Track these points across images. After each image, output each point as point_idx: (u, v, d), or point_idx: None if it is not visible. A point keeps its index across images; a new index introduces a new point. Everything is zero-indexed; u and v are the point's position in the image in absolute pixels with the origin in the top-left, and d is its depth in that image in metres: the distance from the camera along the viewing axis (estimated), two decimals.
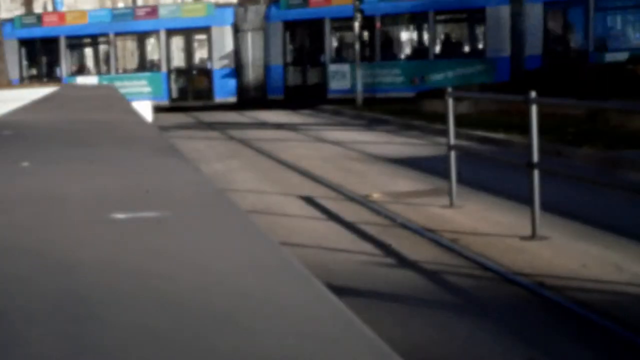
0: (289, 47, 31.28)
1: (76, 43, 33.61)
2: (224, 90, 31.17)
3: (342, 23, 29.71)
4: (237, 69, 31.32)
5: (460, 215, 9.03)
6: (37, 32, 32.21)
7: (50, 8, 42.71)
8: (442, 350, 5.13)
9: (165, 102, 31.20)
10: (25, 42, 32.24)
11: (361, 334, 1.42)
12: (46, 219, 2.57)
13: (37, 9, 44.18)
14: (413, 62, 29.43)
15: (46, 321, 1.53)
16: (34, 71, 32.96)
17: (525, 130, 8.39)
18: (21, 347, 1.40)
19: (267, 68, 30.98)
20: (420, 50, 30.07)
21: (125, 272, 1.88)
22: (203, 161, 14.17)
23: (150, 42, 34.01)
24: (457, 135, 10.27)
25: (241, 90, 31.31)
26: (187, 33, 32.41)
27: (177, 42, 33.66)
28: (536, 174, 7.80)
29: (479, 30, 29.77)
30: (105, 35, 32.22)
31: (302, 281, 1.77)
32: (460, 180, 9.65)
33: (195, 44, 34.49)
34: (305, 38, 31.63)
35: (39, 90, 14.34)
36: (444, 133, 10.36)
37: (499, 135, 15.87)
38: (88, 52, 35.03)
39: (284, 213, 9.63)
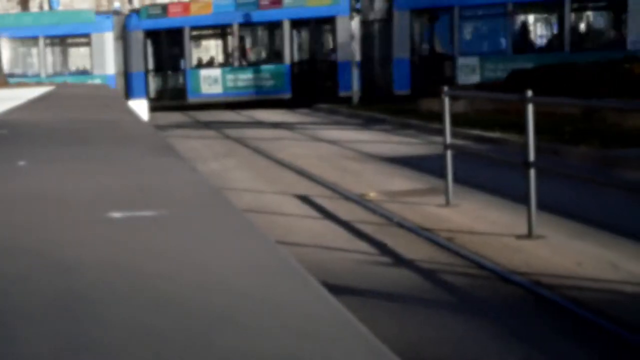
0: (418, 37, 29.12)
1: (201, 34, 32.64)
2: (349, 84, 29.39)
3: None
4: (363, 62, 29.29)
5: (456, 214, 9.04)
6: (162, 23, 31.33)
7: (46, 7, 42.63)
8: (438, 349, 5.14)
9: (287, 95, 30.29)
10: (150, 34, 31.49)
11: (357, 333, 1.43)
12: (43, 218, 2.57)
13: (33, 8, 44.12)
14: None
15: (44, 320, 1.53)
16: (158, 63, 32.13)
17: (522, 129, 8.40)
18: (19, 346, 1.40)
19: (394, 61, 28.79)
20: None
21: (123, 271, 1.88)
22: (199, 160, 14.16)
23: (274, 33, 32.41)
24: (454, 135, 10.28)
25: (366, 84, 29.77)
26: (312, 23, 30.89)
27: (302, 32, 32.19)
28: (532, 173, 7.81)
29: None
30: (229, 25, 31.17)
31: (298, 280, 1.78)
32: (456, 180, 9.66)
33: (318, 35, 32.60)
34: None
35: (35, 90, 14.32)
36: (440, 132, 10.36)
37: (495, 134, 15.88)
38: (212, 43, 33.91)
39: (280, 212, 9.63)
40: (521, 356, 4.93)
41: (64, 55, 35.36)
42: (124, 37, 31.81)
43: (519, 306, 5.93)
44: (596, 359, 4.99)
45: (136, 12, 33.04)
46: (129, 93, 30.75)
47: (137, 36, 31.47)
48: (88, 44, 32.71)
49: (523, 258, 7.04)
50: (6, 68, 35.17)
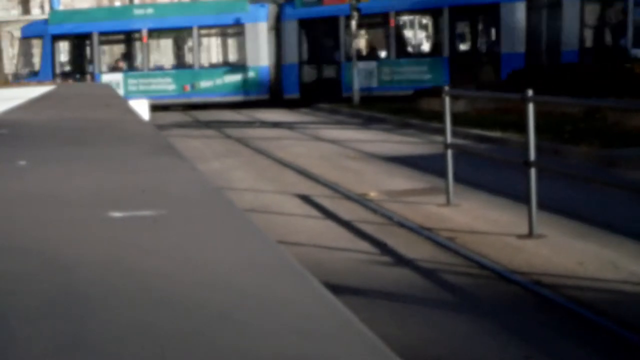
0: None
1: (359, 22, 30.02)
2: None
3: None
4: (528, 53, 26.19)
5: (457, 214, 9.03)
6: (317, 12, 29.74)
7: (47, 7, 42.74)
8: (439, 349, 5.13)
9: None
10: (304, 23, 30.02)
11: (358, 332, 1.43)
12: (43, 218, 2.57)
13: (34, 8, 44.24)
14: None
15: (43, 319, 1.53)
16: (311, 54, 30.56)
17: (522, 128, 8.39)
18: (18, 345, 1.40)
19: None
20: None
21: (123, 270, 1.88)
22: (200, 160, 14.16)
23: (431, 22, 30.54)
24: (454, 134, 10.27)
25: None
26: (473, 11, 28.46)
27: (462, 22, 29.83)
28: (533, 172, 7.80)
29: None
30: (385, 13, 28.86)
31: (299, 279, 1.78)
32: (457, 179, 9.66)
33: (480, 25, 30.00)
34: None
35: (36, 89, 14.32)
36: (441, 131, 10.36)
37: (496, 134, 15.88)
38: (367, 33, 32.07)
39: (281, 211, 9.63)
40: (522, 356, 4.93)
41: (217, 47, 34.56)
42: (277, 26, 30.44)
43: (519, 306, 5.92)
44: (597, 359, 4.98)
45: (290, 0, 31.01)
46: (283, 86, 30.14)
47: (292, 26, 30.03)
48: (242, 34, 31.71)
49: (524, 258, 7.03)
50: (156, 59, 34.64)
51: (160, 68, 33.49)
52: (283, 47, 30.14)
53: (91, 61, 32.50)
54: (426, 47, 31.43)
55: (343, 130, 20.30)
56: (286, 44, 30.12)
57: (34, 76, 33.06)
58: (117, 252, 2.06)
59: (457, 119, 12.24)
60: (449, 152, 9.59)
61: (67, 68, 34.10)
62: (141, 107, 11.28)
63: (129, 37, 33.72)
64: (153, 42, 33.09)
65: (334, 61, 29.75)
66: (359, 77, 28.04)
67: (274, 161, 14.56)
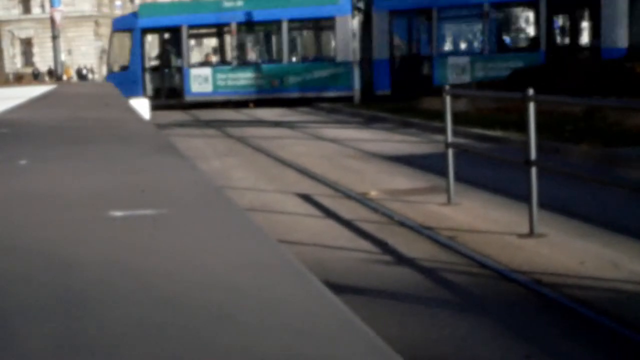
0: None
1: (449, 15, 28.49)
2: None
3: None
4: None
5: (457, 213, 9.03)
6: (409, 4, 28.07)
7: (47, 7, 42.61)
8: (440, 348, 5.13)
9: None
10: (395, 14, 28.37)
11: (358, 332, 1.42)
12: (44, 217, 2.57)
13: (35, 7, 44.21)
14: None
15: (44, 319, 1.53)
16: (402, 48, 28.94)
17: (523, 127, 8.39)
18: (19, 345, 1.40)
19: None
20: None
21: (123, 270, 1.88)
22: (201, 159, 14.17)
23: (527, 15, 29.07)
24: (455, 133, 10.27)
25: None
26: (572, 3, 26.77)
27: (560, 15, 28.00)
28: (534, 171, 7.80)
29: None
30: (479, 5, 27.02)
31: (299, 279, 1.77)
32: (458, 178, 9.66)
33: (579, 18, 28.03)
34: None
35: (36, 88, 14.32)
36: (442, 131, 10.36)
37: (497, 133, 15.88)
38: (458, 27, 30.19)
39: (281, 211, 9.63)
40: (523, 355, 4.93)
41: (306, 41, 33.56)
42: (367, 19, 28.89)
43: (520, 305, 5.92)
44: (598, 358, 4.98)
45: None
46: (373, 82, 28.49)
47: (383, 18, 28.33)
48: (332, 27, 30.68)
49: (525, 257, 7.03)
50: (245, 54, 32.71)
51: (248, 63, 32.37)
52: (374, 41, 28.44)
53: (180, 55, 31.81)
54: (522, 41, 29.69)
55: (344, 130, 20.30)
56: (377, 38, 28.45)
57: (123, 71, 32.52)
58: (118, 251, 2.06)
59: (458, 118, 12.24)
60: (450, 151, 9.59)
61: (156, 62, 33.40)
62: (141, 107, 11.28)
63: (217, 31, 32.99)
64: (242, 36, 32.05)
65: (425, 55, 28.05)
66: (450, 71, 26.73)
67: (275, 160, 14.56)
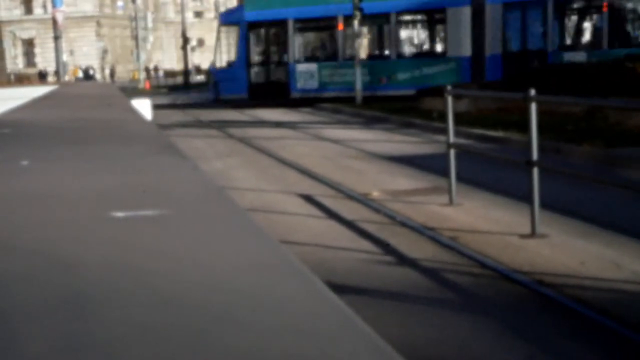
0: None
1: (565, 6, 26.44)
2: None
3: None
4: None
5: (459, 213, 9.03)
6: None
7: (49, 7, 42.54)
8: (441, 348, 5.13)
9: None
10: (510, 6, 26.53)
11: (360, 332, 1.43)
12: (45, 217, 2.57)
13: (36, 8, 44.18)
14: None
15: (46, 319, 1.53)
16: (516, 42, 27.00)
17: (525, 128, 8.39)
18: (21, 345, 1.40)
19: None
20: None
21: (125, 270, 1.88)
22: (202, 159, 14.17)
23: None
24: (457, 134, 10.27)
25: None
26: None
27: None
28: (535, 171, 7.80)
29: None
30: None
31: (301, 279, 1.78)
32: (459, 179, 9.66)
33: None
34: None
35: (38, 89, 14.33)
36: (443, 131, 10.36)
37: (498, 133, 15.88)
38: (577, 19, 27.70)
39: (283, 211, 9.63)
40: (524, 355, 4.93)
41: (416, 35, 31.76)
42: (478, 10, 25.37)
43: (522, 305, 5.92)
44: (599, 358, 4.98)
45: None
46: (486, 79, 24.93)
47: (496, 9, 26.25)
48: (443, 20, 28.75)
49: (526, 257, 7.03)
50: (348, 49, 30.37)
51: (355, 58, 29.98)
52: (486, 35, 25.22)
53: (285, 50, 30.68)
54: None
55: (345, 130, 20.30)
56: (489, 31, 25.54)
57: (229, 67, 31.60)
58: (120, 252, 2.07)
59: (459, 119, 12.24)
60: (452, 152, 9.59)
61: (261, 58, 31.99)
62: (144, 107, 11.28)
63: (324, 24, 31.35)
64: (349, 30, 29.83)
65: (540, 51, 25.82)
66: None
67: (276, 161, 14.57)
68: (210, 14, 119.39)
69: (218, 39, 33.73)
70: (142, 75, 61.35)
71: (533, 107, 7.90)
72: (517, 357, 4.93)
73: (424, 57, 29.99)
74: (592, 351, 5.04)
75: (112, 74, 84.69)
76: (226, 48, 33.36)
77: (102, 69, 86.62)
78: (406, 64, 28.94)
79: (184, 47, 64.58)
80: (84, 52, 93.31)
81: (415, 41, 32.41)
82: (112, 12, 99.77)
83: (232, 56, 31.90)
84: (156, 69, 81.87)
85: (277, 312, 1.55)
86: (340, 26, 29.46)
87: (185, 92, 53.15)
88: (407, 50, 31.15)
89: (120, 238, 2.21)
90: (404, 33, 31.13)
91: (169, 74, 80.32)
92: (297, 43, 31.09)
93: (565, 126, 14.99)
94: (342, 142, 17.09)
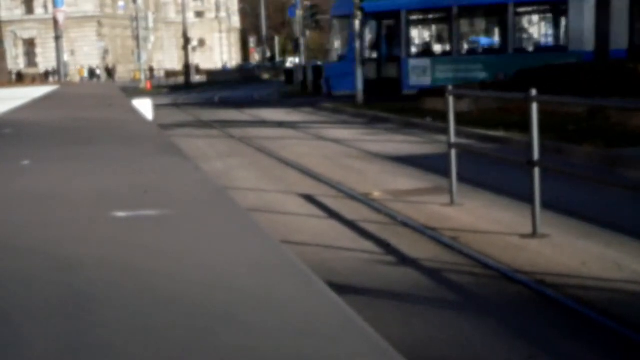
0: None
1: None
2: None
3: None
4: None
5: (460, 213, 9.03)
6: None
7: (50, 7, 42.54)
8: (443, 348, 5.13)
9: None
10: None
11: (361, 332, 1.42)
12: (46, 217, 2.57)
13: (37, 8, 44.18)
14: None
15: (47, 319, 1.53)
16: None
17: (526, 128, 8.39)
18: (22, 345, 1.40)
19: None
20: None
21: (126, 270, 1.88)
22: (203, 159, 14.17)
23: None
24: (458, 134, 10.26)
25: None
26: None
27: None
28: (537, 171, 7.80)
29: None
30: None
31: (302, 279, 1.78)
32: (460, 179, 9.66)
33: None
34: None
35: (39, 89, 14.33)
36: (445, 131, 10.36)
37: (500, 133, 15.88)
38: None
39: (284, 211, 9.63)
40: (526, 355, 4.93)
41: (534, 28, 29.73)
42: (603, 1, 22.94)
43: (523, 305, 5.92)
44: (600, 358, 4.98)
45: None
46: None
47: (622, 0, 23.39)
48: (564, 12, 26.67)
49: (527, 257, 7.03)
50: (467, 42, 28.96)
51: (470, 52, 29.13)
52: (612, 28, 22.12)
53: (398, 43, 28.90)
54: None
55: (346, 130, 20.30)
56: (615, 24, 22.41)
57: (340, 60, 30.08)
58: (121, 252, 2.07)
59: (460, 119, 12.24)
60: (453, 152, 9.58)
61: (373, 51, 30.46)
62: (145, 107, 11.28)
63: (438, 16, 29.91)
64: (464, 22, 28.66)
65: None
66: None
67: (277, 161, 14.57)
68: (211, 14, 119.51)
69: (331, 32, 31.95)
70: (143, 75, 61.39)
71: (534, 107, 7.90)
72: (518, 357, 4.93)
73: (542, 51, 27.67)
74: (592, 351, 5.03)
75: (110, 73, 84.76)
76: (338, 42, 31.32)
77: (107, 69, 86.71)
78: (524, 59, 26.01)
79: (184, 47, 64.65)
80: (85, 52, 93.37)
81: (534, 34, 30.08)
82: (113, 12, 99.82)
83: (344, 50, 30.17)
84: (152, 69, 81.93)
85: (278, 312, 1.55)
86: (455, 18, 27.78)
87: (186, 92, 53.20)
88: (525, 43, 29.03)
89: (121, 238, 2.21)
90: (522, 25, 29.11)
91: (170, 74, 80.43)
92: (410, 36, 29.41)
93: (567, 126, 14.98)
94: (343, 142, 17.09)
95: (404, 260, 7.22)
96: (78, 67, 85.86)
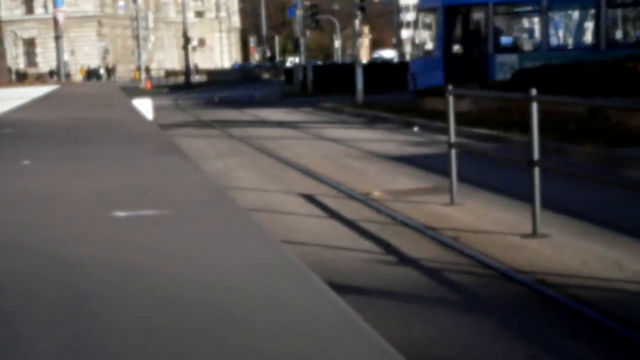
0: None
1: None
2: None
3: None
4: None
5: (461, 213, 9.03)
6: None
7: (50, 7, 42.50)
8: (443, 348, 5.13)
9: None
10: None
11: (361, 331, 1.43)
12: (47, 217, 2.57)
13: (37, 7, 44.12)
14: None
15: (48, 318, 1.53)
16: None
17: (526, 127, 8.38)
18: (23, 343, 1.40)
19: None
20: None
21: (127, 270, 1.88)
22: (203, 159, 14.17)
23: None
24: (458, 133, 10.26)
25: None
26: None
27: None
28: (537, 171, 7.79)
29: None
30: None
31: (302, 279, 1.78)
32: (461, 178, 9.66)
33: None
34: None
35: (39, 89, 14.33)
36: (445, 131, 10.35)
37: (500, 133, 15.87)
38: None
39: (284, 211, 9.63)
40: (526, 355, 4.92)
41: (624, 23, 27.32)
42: None
43: (523, 305, 5.92)
44: (600, 358, 4.98)
45: None
46: None
47: None
48: None
49: (528, 257, 7.03)
50: (557, 37, 26.37)
51: (560, 48, 26.76)
52: None
53: (485, 38, 27.06)
54: None
55: (347, 130, 20.30)
56: None
57: (427, 56, 28.44)
58: (121, 251, 2.07)
59: (460, 119, 12.24)
60: (453, 152, 9.58)
61: (460, 46, 28.41)
62: (145, 107, 11.29)
63: (527, 9, 27.96)
64: (554, 16, 26.61)
65: None
66: None
67: (278, 160, 14.56)
68: (211, 14, 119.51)
69: (417, 26, 30.38)
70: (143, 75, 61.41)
71: (534, 106, 7.90)
72: (519, 356, 4.93)
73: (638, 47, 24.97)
74: (593, 351, 5.03)
75: (110, 73, 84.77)
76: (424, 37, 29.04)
77: (107, 69, 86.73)
78: (619, 55, 22.53)
79: (185, 47, 64.65)
80: (85, 52, 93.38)
81: (630, 30, 27.80)
82: (113, 12, 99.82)
83: (430, 45, 28.66)
84: (147, 70, 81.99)
85: (278, 311, 1.55)
86: (544, 11, 25.95)
87: (186, 91, 53.19)
88: (620, 41, 26.59)
89: (121, 238, 2.21)
90: (615, 21, 26.55)
91: (170, 73, 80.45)
92: (497, 30, 27.61)
93: (567, 126, 14.98)
94: (343, 142, 17.09)
95: (404, 260, 7.22)
96: (79, 66, 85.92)
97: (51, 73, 76.32)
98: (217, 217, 2.51)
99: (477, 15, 27.90)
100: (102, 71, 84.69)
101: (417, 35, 29.95)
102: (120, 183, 3.17)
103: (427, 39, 29.31)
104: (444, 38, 27.07)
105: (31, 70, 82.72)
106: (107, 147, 4.75)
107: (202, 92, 51.23)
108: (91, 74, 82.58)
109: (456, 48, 28.21)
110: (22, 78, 65.06)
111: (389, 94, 29.63)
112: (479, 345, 5.15)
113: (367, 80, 29.88)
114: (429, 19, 29.03)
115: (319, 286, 1.70)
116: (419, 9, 30.01)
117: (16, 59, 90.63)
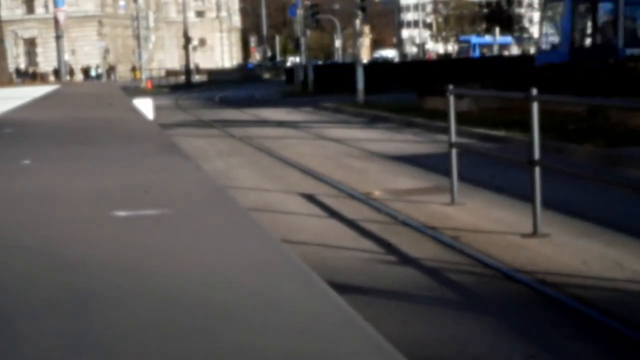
0: None
1: None
2: None
3: None
4: None
5: (461, 213, 9.03)
6: None
7: (51, 7, 42.47)
8: (443, 348, 5.13)
9: None
10: None
11: (362, 331, 1.43)
12: (47, 217, 2.57)
13: (38, 7, 44.10)
14: None
15: (48, 317, 1.53)
16: None
17: (526, 127, 8.38)
18: (24, 343, 1.40)
19: None
20: None
21: (127, 269, 1.88)
22: (204, 159, 14.17)
23: None
24: (458, 133, 10.26)
25: None
26: None
27: None
28: (537, 171, 7.79)
29: None
30: None
31: (303, 278, 1.78)
32: (461, 178, 9.66)
33: None
34: None
35: (40, 88, 14.33)
36: (445, 131, 10.35)
37: (500, 133, 15.87)
38: None
39: (285, 210, 9.63)
40: (526, 355, 4.93)
41: None
42: None
43: (523, 305, 5.92)
44: (601, 357, 4.98)
45: None
46: None
47: None
48: None
49: (528, 256, 7.03)
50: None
51: None
52: None
53: (614, 31, 25.26)
54: None
55: (347, 130, 20.30)
56: None
57: (553, 50, 26.53)
58: (121, 251, 2.07)
59: (461, 118, 12.24)
60: (453, 151, 9.58)
61: (587, 40, 26.75)
62: (145, 107, 11.29)
63: None
64: None
65: None
66: None
67: (278, 160, 14.57)
68: (212, 14, 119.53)
69: (543, 18, 29.06)
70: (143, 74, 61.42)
71: (535, 106, 7.90)
72: (519, 356, 4.93)
73: None
74: (593, 351, 5.03)
75: (109, 73, 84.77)
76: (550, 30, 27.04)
77: (108, 69, 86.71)
78: None
79: (185, 47, 64.66)
80: (86, 52, 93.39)
81: None
82: (113, 12, 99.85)
83: (556, 39, 27.12)
84: (137, 68, 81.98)
85: (279, 311, 1.55)
86: None
87: (187, 91, 53.20)
88: None
89: (122, 237, 2.21)
90: None
91: (171, 73, 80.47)
92: (627, 23, 25.74)
93: (567, 126, 14.98)
94: (343, 142, 17.09)
95: (404, 259, 7.22)
96: (80, 66, 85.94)
97: (56, 72, 76.60)
98: (217, 216, 2.51)
99: (606, 7, 26.23)
100: (100, 70, 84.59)
101: (544, 28, 28.35)
102: (120, 183, 3.17)
103: (553, 33, 27.74)
104: (570, 30, 25.65)
105: (31, 70, 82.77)
106: (107, 146, 4.76)
107: (203, 91, 51.23)
108: (88, 73, 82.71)
109: (583, 41, 26.63)
110: (30, 78, 65.09)
111: (390, 93, 29.66)
112: (479, 344, 5.15)
113: (368, 80, 30.02)
114: (555, 12, 27.49)
115: (320, 286, 1.70)
116: (546, 0, 28.48)
117: (17, 59, 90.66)
